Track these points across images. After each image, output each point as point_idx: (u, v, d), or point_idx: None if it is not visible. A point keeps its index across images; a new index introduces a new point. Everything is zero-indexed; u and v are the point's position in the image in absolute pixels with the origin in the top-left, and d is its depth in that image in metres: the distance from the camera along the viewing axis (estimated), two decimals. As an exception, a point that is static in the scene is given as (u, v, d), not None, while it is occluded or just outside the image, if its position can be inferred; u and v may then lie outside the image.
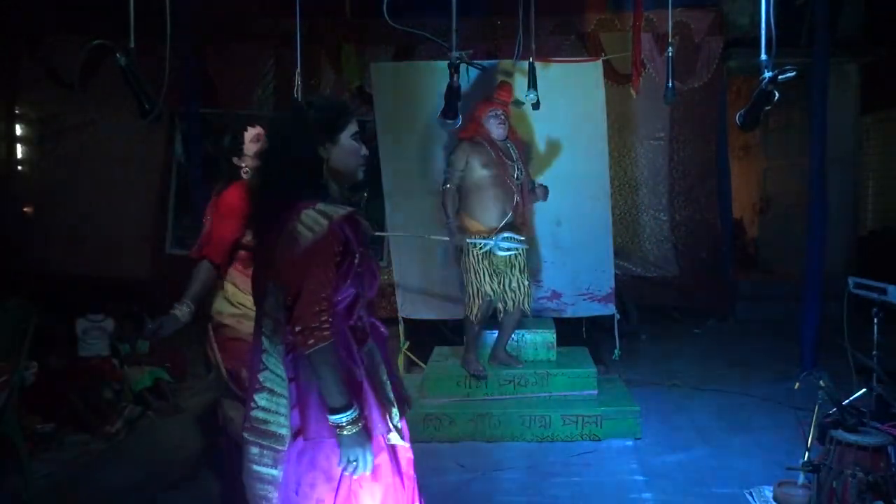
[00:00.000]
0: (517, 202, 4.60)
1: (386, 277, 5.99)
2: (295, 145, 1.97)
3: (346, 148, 2.03)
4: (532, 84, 4.57)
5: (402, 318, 5.51)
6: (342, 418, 1.86)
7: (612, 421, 4.37)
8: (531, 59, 4.59)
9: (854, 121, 7.97)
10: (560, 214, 5.39)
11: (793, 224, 8.15)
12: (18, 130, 8.00)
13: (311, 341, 1.82)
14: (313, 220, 1.86)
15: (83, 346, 5.04)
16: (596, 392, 4.61)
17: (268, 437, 1.96)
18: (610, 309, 5.44)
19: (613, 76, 6.66)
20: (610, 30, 7.25)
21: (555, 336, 4.99)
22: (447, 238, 4.72)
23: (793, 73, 2.70)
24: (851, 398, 3.37)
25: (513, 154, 4.68)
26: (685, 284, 7.62)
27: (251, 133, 3.05)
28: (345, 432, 1.86)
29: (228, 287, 3.01)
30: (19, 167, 8.08)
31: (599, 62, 5.50)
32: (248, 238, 2.97)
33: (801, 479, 3.26)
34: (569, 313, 5.52)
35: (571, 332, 5.62)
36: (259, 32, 7.31)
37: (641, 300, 7.08)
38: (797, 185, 7.91)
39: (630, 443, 4.27)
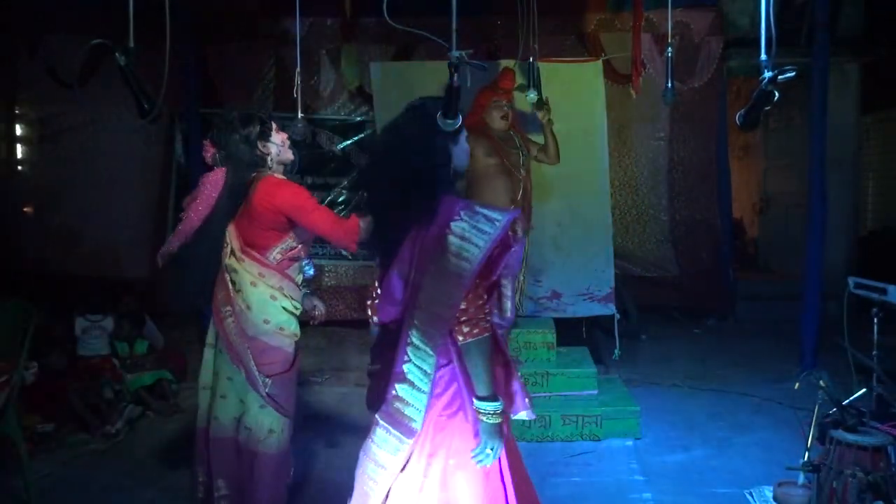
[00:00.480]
0: (523, 189, 4.59)
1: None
2: (440, 144, 2.07)
3: (463, 148, 2.17)
4: (533, 84, 4.57)
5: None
6: (488, 406, 1.97)
7: (612, 421, 4.37)
8: (532, 59, 4.59)
9: (854, 121, 7.96)
10: (560, 214, 5.39)
11: (793, 224, 8.15)
12: (18, 130, 7.99)
13: (476, 331, 1.95)
14: (482, 220, 1.96)
15: (83, 346, 5.04)
16: (596, 392, 4.61)
17: (399, 426, 2.03)
18: (610, 309, 5.44)
19: (613, 76, 6.66)
20: (610, 30, 7.24)
21: (555, 336, 4.98)
22: None
23: (793, 73, 2.69)
24: (851, 398, 3.38)
25: (516, 141, 4.66)
26: (685, 284, 7.61)
27: (275, 125, 3.02)
28: (489, 420, 1.97)
29: (278, 294, 2.93)
30: (19, 167, 8.08)
31: (599, 62, 5.50)
32: (291, 242, 2.96)
33: (801, 479, 3.26)
34: (569, 313, 5.52)
35: (571, 332, 5.62)
36: (259, 32, 7.31)
37: (641, 300, 7.08)
38: (797, 185, 7.91)
39: (630, 443, 4.27)
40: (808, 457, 3.16)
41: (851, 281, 3.86)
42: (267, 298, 2.90)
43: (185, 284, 3.01)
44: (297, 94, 4.00)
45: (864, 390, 3.57)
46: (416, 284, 2.00)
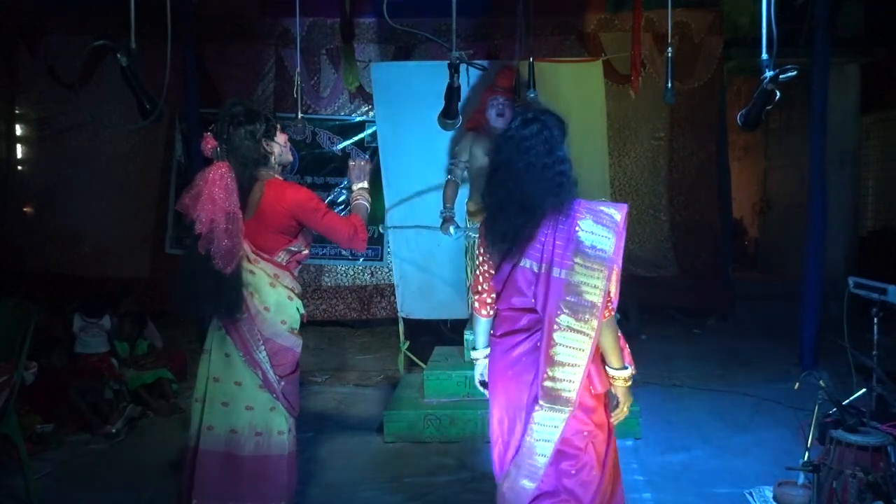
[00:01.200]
0: None
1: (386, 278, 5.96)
2: (565, 153, 2.27)
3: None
4: (532, 83, 4.58)
5: (402, 318, 5.51)
6: (623, 373, 2.31)
7: (613, 421, 4.36)
8: (531, 59, 4.60)
9: (854, 121, 7.97)
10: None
11: (793, 224, 8.15)
12: (18, 130, 7.99)
13: (607, 312, 2.22)
14: (602, 215, 2.21)
15: (81, 344, 5.04)
16: (596, 392, 4.60)
17: (559, 402, 2.23)
18: (610, 309, 5.43)
19: (613, 76, 6.65)
20: (610, 30, 7.24)
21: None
22: (439, 228, 4.79)
23: (794, 73, 2.70)
24: (851, 398, 3.38)
25: None
26: (685, 284, 7.61)
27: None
28: (625, 385, 2.32)
29: (293, 295, 2.93)
30: (19, 167, 8.08)
31: (599, 62, 5.52)
32: (300, 245, 2.96)
33: (801, 479, 3.26)
34: (569, 313, 5.51)
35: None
36: (259, 32, 7.31)
37: (641, 300, 7.07)
38: (797, 185, 7.92)
39: (630, 443, 4.27)
40: (808, 457, 3.15)
41: (851, 281, 3.85)
42: (285, 299, 2.90)
43: (193, 289, 2.81)
44: (297, 94, 4.00)
45: (864, 390, 3.57)
46: (553, 278, 2.20)
